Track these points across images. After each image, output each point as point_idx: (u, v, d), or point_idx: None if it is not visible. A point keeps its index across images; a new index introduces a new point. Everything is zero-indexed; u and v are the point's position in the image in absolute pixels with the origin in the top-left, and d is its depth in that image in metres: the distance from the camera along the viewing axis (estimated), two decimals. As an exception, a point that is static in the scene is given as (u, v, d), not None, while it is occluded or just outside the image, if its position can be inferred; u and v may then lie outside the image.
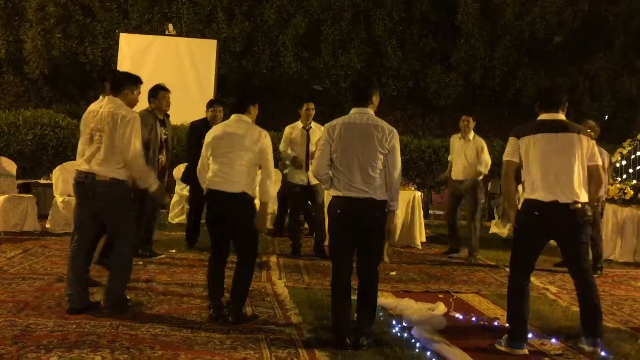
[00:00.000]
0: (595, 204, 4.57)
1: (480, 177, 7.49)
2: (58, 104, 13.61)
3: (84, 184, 4.47)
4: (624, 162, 9.32)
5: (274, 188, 4.97)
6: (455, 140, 7.65)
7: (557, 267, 6.73)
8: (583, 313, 4.19)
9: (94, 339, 3.89)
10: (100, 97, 5.02)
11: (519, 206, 4.34)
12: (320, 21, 14.22)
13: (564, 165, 4.06)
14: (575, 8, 14.48)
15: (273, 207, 7.89)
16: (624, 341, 4.34)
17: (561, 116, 4.23)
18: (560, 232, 4.15)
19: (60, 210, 8.13)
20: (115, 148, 4.42)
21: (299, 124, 7.22)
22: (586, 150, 4.12)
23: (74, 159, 9.43)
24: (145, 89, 10.74)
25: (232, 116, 4.60)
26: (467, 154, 7.47)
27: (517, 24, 14.19)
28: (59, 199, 8.23)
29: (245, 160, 4.43)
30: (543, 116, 4.27)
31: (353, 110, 4.17)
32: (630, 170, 9.36)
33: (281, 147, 7.22)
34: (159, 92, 6.41)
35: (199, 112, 7.18)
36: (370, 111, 4.16)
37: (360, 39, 14.22)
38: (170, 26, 12.34)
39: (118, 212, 4.54)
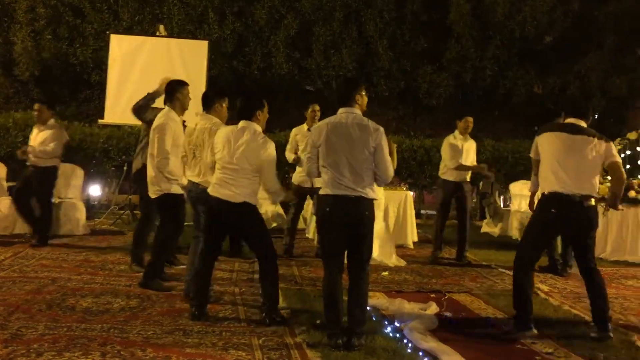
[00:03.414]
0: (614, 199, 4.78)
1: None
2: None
3: (191, 191, 5.07)
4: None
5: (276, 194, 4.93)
6: (457, 142, 7.41)
7: (538, 272, 6.69)
8: (593, 305, 4.44)
9: (84, 342, 3.86)
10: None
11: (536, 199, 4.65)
12: (311, 22, 14.22)
13: (579, 163, 4.34)
14: (566, 8, 14.52)
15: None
16: (615, 339, 4.36)
17: (582, 123, 4.49)
18: (574, 226, 4.43)
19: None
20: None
21: (304, 127, 7.21)
22: (603, 152, 4.39)
23: (65, 161, 9.43)
24: (136, 90, 10.61)
25: (240, 122, 4.56)
26: (471, 154, 7.49)
27: (508, 24, 14.23)
28: (49, 201, 8.18)
29: (248, 172, 4.45)
30: (567, 120, 4.55)
31: (340, 110, 4.21)
32: (621, 169, 9.40)
33: (287, 148, 7.28)
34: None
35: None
36: (357, 111, 4.19)
37: (352, 40, 14.23)
38: (161, 27, 12.28)
39: None
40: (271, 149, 4.49)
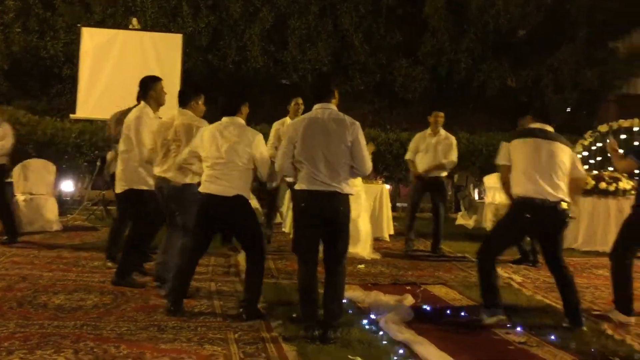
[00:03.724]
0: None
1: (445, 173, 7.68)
2: (19, 100, 13.26)
3: (162, 188, 4.95)
4: (585, 153, 9.51)
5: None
6: (424, 138, 7.58)
7: (512, 264, 6.81)
8: (565, 299, 4.53)
9: (57, 340, 3.81)
10: (143, 103, 5.28)
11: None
12: (286, 15, 14.15)
13: (551, 167, 4.43)
14: (539, 2, 14.67)
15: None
16: (586, 328, 4.43)
17: (549, 128, 4.59)
18: (548, 228, 4.53)
19: (22, 209, 7.94)
20: None
21: (287, 120, 7.18)
22: (568, 159, 4.51)
23: (36, 156, 9.24)
24: (108, 84, 10.35)
25: (224, 119, 4.53)
26: (439, 149, 7.50)
27: (482, 18, 14.34)
28: (20, 197, 8.04)
29: (238, 166, 4.42)
30: (533, 125, 4.64)
31: (316, 106, 4.21)
32: (592, 161, 9.56)
33: (269, 144, 7.21)
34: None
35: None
36: (333, 106, 4.20)
37: (327, 33, 14.20)
38: (135, 20, 12.10)
39: (188, 211, 4.70)
40: (262, 144, 4.52)
